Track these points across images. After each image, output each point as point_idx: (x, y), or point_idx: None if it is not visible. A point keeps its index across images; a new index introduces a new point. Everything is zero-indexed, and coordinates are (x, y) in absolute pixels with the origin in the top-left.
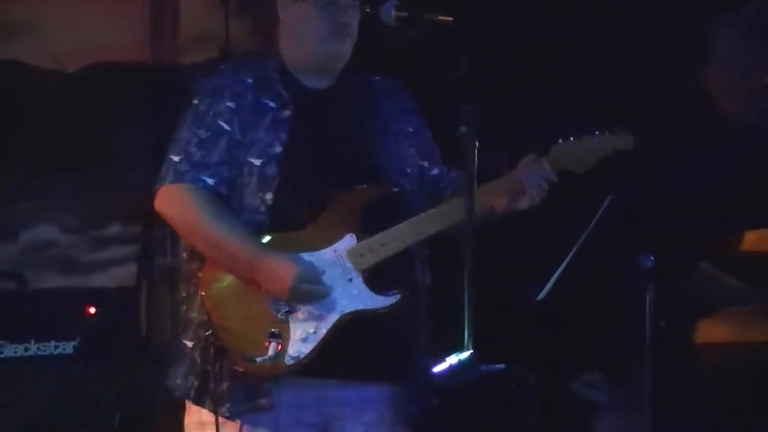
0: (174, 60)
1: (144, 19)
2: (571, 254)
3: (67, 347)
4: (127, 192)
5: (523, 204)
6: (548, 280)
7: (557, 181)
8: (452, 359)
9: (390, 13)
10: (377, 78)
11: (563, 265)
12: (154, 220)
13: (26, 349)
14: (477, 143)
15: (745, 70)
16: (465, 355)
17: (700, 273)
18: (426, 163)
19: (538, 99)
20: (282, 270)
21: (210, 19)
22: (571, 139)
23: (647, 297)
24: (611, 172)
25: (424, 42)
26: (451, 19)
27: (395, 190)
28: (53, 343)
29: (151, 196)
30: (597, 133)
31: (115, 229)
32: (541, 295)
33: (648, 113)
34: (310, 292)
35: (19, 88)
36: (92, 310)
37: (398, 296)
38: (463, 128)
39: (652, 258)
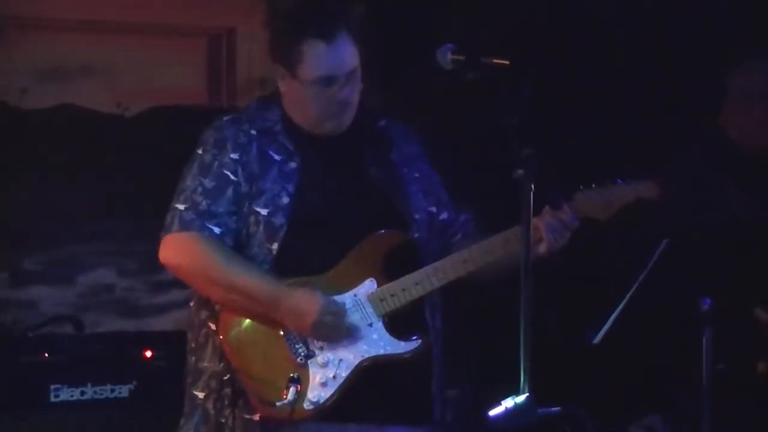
0: (232, 103)
1: (202, 63)
2: (627, 297)
3: (123, 390)
4: None
5: (543, 250)
6: (605, 322)
7: (578, 227)
8: (508, 402)
9: (446, 57)
10: (384, 121)
11: (620, 308)
12: None
13: (83, 393)
14: (533, 186)
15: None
16: (521, 398)
17: (759, 316)
18: (435, 209)
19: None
20: (305, 303)
21: (267, 63)
22: (594, 186)
23: (704, 340)
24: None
25: (482, 84)
26: (507, 62)
27: (414, 235)
28: (109, 386)
29: None
30: (621, 181)
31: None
32: (598, 339)
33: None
34: (333, 325)
35: (77, 131)
36: (149, 353)
37: (420, 342)
38: (520, 171)
39: (709, 301)
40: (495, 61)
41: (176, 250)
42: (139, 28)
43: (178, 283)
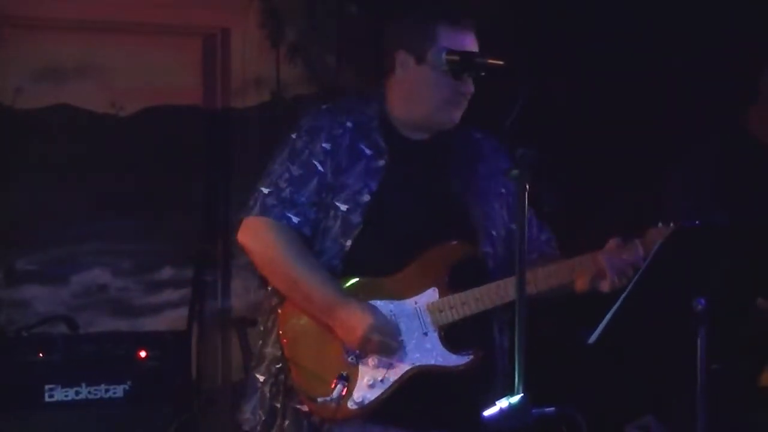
0: (226, 104)
1: (197, 63)
2: (622, 298)
3: (118, 391)
4: (179, 236)
5: (605, 287)
6: (601, 322)
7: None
8: (503, 403)
9: (441, 57)
10: (478, 134)
11: (615, 308)
12: (205, 264)
13: (77, 393)
14: (528, 186)
15: None
16: (516, 398)
17: (758, 313)
18: (515, 226)
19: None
20: (356, 319)
21: (262, 63)
22: (672, 224)
23: (699, 340)
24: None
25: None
26: (502, 62)
27: (484, 250)
28: (104, 386)
29: (204, 240)
30: (697, 222)
31: (167, 272)
32: (593, 338)
33: (695, 151)
34: (381, 343)
35: (71, 131)
36: (143, 353)
37: (471, 357)
38: (515, 171)
39: (704, 301)
40: (490, 61)
41: (252, 234)
42: (133, 27)
43: (172, 283)
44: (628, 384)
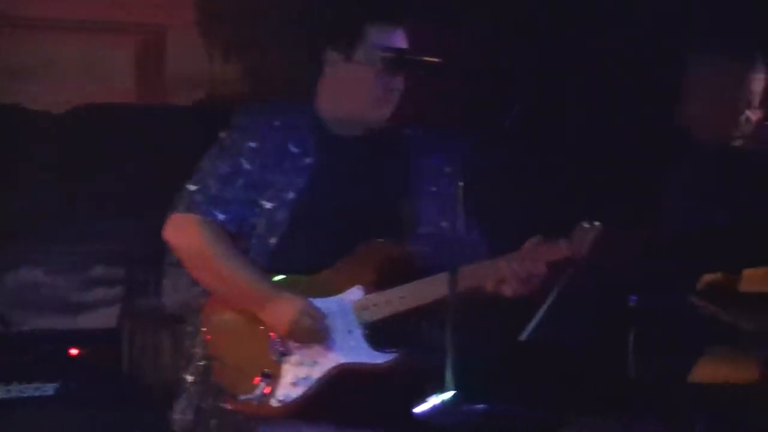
0: (161, 102)
1: (131, 61)
2: (553, 295)
3: (48, 389)
4: (112, 234)
5: (507, 292)
6: (531, 320)
7: (544, 274)
8: (434, 400)
9: (376, 55)
10: (410, 131)
11: (546, 306)
12: (137, 262)
13: (8, 391)
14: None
15: (726, 101)
16: (447, 395)
17: (689, 310)
18: (447, 225)
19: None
20: (286, 304)
21: (196, 61)
22: (596, 223)
23: (630, 337)
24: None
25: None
26: (438, 60)
27: (413, 248)
28: (34, 384)
29: (137, 237)
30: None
31: (99, 270)
32: (524, 336)
33: (628, 146)
34: (310, 328)
35: (12, 131)
36: (74, 351)
37: (395, 355)
38: (449, 169)
39: (635, 297)
40: (425, 59)
41: (178, 231)
42: (68, 25)
43: (106, 281)
44: (562, 380)
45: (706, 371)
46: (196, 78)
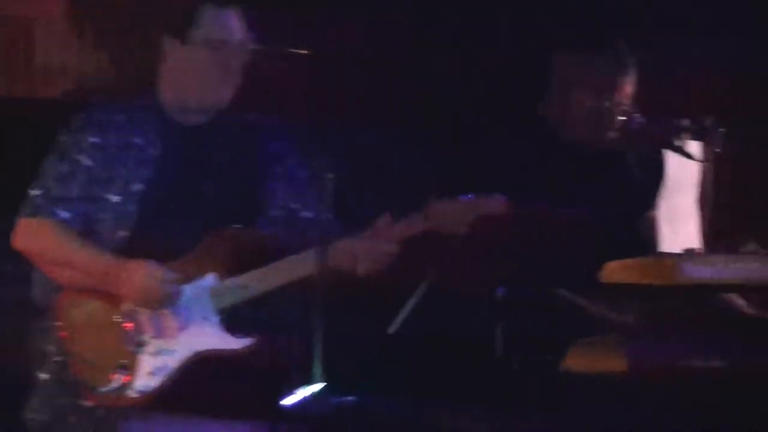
0: (31, 93)
1: None
2: (421, 288)
3: None
4: None
5: (360, 271)
6: (400, 312)
7: (396, 251)
8: (303, 392)
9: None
10: (256, 117)
11: (414, 299)
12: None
13: None
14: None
15: (591, 98)
16: (315, 387)
17: (557, 301)
18: (297, 206)
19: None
20: (135, 270)
21: (66, 51)
22: (447, 199)
23: (498, 328)
24: None
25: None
26: (306, 52)
27: (264, 232)
28: None
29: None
30: (471, 195)
31: None
32: (393, 328)
33: (495, 142)
34: (163, 291)
35: None
36: None
37: (251, 339)
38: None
39: (504, 289)
40: (293, 50)
41: (24, 236)
42: None
43: None
44: (430, 372)
45: (575, 362)
46: (64, 70)
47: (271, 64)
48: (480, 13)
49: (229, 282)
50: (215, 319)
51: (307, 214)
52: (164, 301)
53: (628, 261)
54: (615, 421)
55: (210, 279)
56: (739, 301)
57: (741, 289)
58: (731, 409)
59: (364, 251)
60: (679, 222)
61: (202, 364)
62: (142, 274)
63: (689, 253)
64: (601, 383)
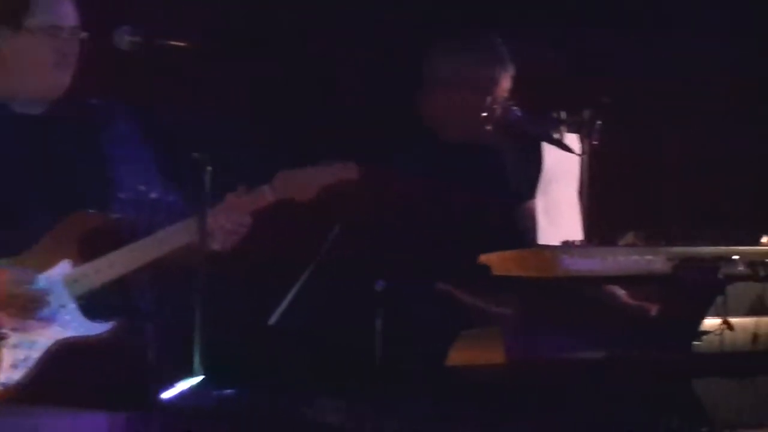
0: None
1: None
2: (302, 280)
3: None
4: None
5: (216, 246)
6: (280, 305)
7: (249, 223)
8: (182, 385)
9: (123, 39)
10: (96, 102)
11: (294, 291)
12: None
13: None
14: (210, 167)
15: (466, 94)
16: (195, 380)
17: (437, 294)
18: (144, 188)
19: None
20: None
21: None
22: (296, 167)
23: (377, 321)
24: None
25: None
26: (184, 44)
27: (115, 216)
28: None
29: None
30: (321, 162)
31: None
32: (273, 320)
33: (374, 137)
34: (23, 294)
35: None
36: None
37: (112, 323)
38: (196, 154)
39: (383, 282)
40: (171, 43)
41: None
42: None
43: None
44: (310, 364)
45: (455, 354)
46: None
47: (109, 50)
48: (351, 10)
49: (82, 268)
50: (72, 306)
51: (154, 195)
52: (31, 308)
53: (507, 253)
54: (494, 411)
55: (63, 266)
56: (619, 293)
57: (620, 280)
58: (611, 400)
59: (220, 226)
60: (558, 214)
61: (65, 353)
62: (2, 284)
63: (568, 245)
64: (481, 374)
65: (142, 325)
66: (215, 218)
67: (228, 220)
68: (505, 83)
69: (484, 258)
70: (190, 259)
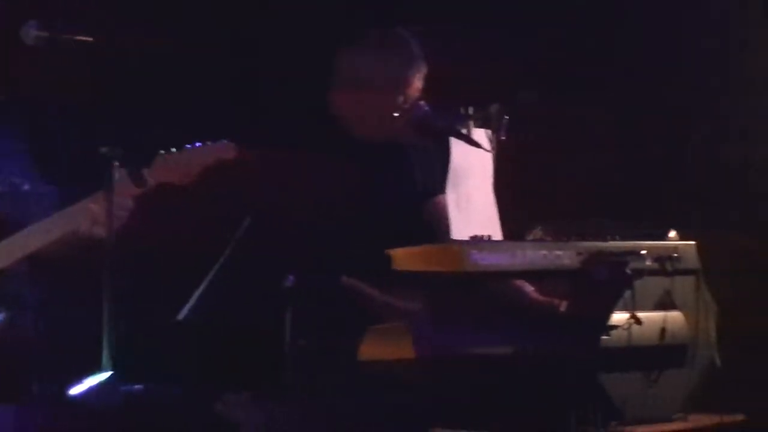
0: None
1: None
2: (210, 275)
3: None
4: None
5: (99, 232)
6: (189, 300)
7: (130, 207)
8: (91, 381)
9: (30, 34)
10: None
11: (203, 286)
12: None
13: None
14: (117, 162)
15: (377, 96)
16: (104, 376)
17: (344, 290)
18: (18, 180)
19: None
20: None
21: None
22: (174, 150)
23: (287, 316)
24: (252, 193)
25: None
26: (91, 39)
27: None
28: None
29: None
30: (199, 144)
31: None
32: (182, 315)
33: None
34: None
35: None
36: None
37: None
38: (104, 149)
39: (292, 278)
40: (77, 38)
41: None
42: None
43: None
44: (221, 359)
45: (364, 349)
46: None
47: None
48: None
49: None
50: None
51: (26, 187)
52: None
53: (416, 248)
54: (401, 405)
55: None
56: (527, 288)
57: (528, 275)
58: (520, 395)
59: (100, 211)
60: (468, 209)
61: None
62: None
63: (476, 240)
64: (389, 369)
65: (25, 319)
66: (99, 204)
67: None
68: (418, 82)
69: (392, 253)
70: (73, 249)
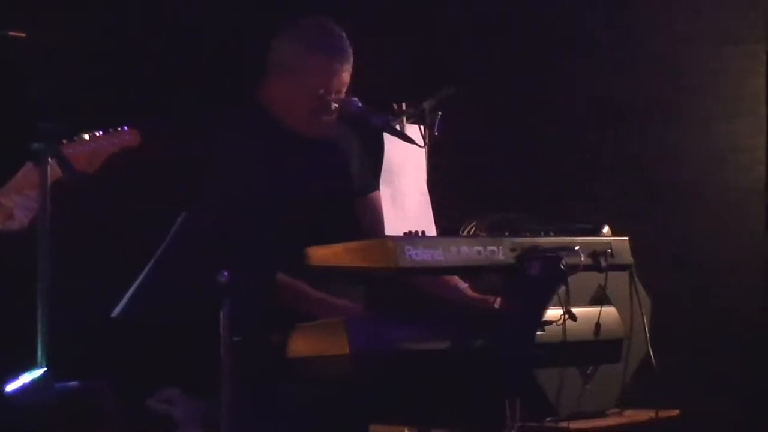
0: None
1: None
2: (146, 270)
3: None
4: None
5: (15, 226)
6: (124, 296)
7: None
8: (25, 377)
9: None
10: None
11: (139, 281)
12: None
13: None
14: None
15: (305, 84)
16: (38, 372)
17: (276, 286)
18: None
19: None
20: None
21: None
22: (75, 138)
23: (222, 312)
24: (187, 188)
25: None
26: (23, 34)
27: None
28: None
29: None
30: (101, 131)
31: None
32: (116, 312)
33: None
34: None
35: None
36: None
37: None
38: (37, 145)
39: (227, 273)
40: (10, 33)
41: None
42: None
43: None
44: (155, 356)
45: (298, 344)
46: None
47: None
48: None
49: None
50: None
51: None
52: None
53: (351, 244)
54: (337, 402)
55: None
56: (461, 284)
57: (462, 271)
58: (455, 390)
59: (17, 203)
60: (403, 205)
61: None
62: None
63: (411, 236)
64: (324, 365)
65: None
66: (11, 197)
67: (24, 197)
68: (345, 74)
69: (326, 249)
70: None
